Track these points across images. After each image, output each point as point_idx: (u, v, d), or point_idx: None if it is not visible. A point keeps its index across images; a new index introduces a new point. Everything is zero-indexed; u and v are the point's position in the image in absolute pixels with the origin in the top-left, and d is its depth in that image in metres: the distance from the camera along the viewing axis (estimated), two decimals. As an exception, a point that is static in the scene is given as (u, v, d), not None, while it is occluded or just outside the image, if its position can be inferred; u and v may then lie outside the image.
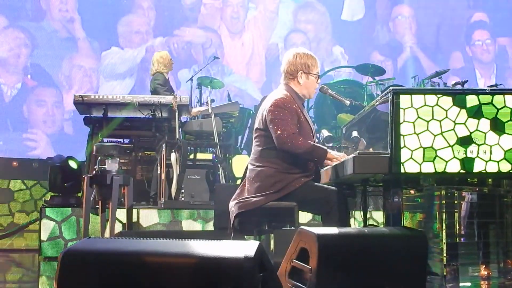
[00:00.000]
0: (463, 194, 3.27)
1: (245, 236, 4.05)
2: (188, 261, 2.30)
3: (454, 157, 3.03)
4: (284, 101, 3.76)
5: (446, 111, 3.06)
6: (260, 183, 3.74)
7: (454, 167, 3.03)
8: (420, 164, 3.01)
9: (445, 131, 3.05)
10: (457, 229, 3.21)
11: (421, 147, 3.02)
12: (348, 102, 4.16)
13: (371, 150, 3.73)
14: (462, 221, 3.26)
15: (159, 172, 6.59)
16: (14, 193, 10.16)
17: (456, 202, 3.22)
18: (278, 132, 3.66)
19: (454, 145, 3.04)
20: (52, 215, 6.02)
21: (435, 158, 3.02)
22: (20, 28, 10.24)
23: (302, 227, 2.95)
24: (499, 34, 11.76)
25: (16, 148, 10.20)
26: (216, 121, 6.95)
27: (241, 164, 7.34)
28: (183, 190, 6.51)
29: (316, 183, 3.82)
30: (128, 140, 7.27)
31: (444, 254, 3.15)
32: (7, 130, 10.11)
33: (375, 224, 5.85)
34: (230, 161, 7.39)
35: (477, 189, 3.31)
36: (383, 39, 11.59)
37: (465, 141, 3.05)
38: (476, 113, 3.07)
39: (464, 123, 3.06)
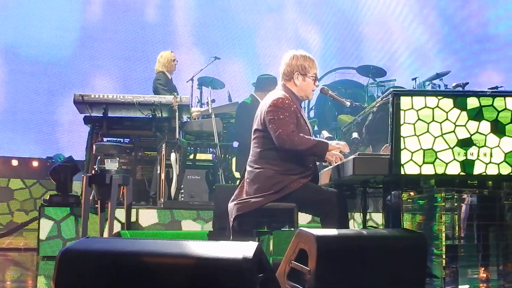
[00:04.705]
0: (463, 196, 3.26)
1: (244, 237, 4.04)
2: (187, 261, 2.30)
3: (454, 159, 3.03)
4: (283, 101, 3.73)
5: (447, 113, 3.05)
6: (259, 185, 3.71)
7: (454, 169, 3.02)
8: (420, 166, 3.01)
9: (446, 133, 3.04)
10: (457, 231, 3.20)
11: (421, 149, 3.01)
12: (348, 103, 4.15)
13: (370, 148, 3.72)
14: (462, 223, 3.25)
15: (158, 172, 6.58)
16: (13, 192, 10.17)
17: (456, 204, 3.20)
18: (278, 131, 3.63)
19: (454, 147, 3.03)
20: (51, 214, 6.01)
21: (435, 160, 3.02)
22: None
23: (301, 228, 2.94)
24: None
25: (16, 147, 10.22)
26: (216, 122, 6.94)
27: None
28: (182, 190, 6.50)
29: (315, 185, 3.80)
30: (128, 139, 7.25)
31: (444, 256, 3.14)
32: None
33: (375, 225, 5.84)
34: (230, 161, 7.38)
35: (477, 191, 3.30)
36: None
37: (466, 143, 3.04)
38: (476, 115, 3.07)
39: (465, 125, 3.05)
